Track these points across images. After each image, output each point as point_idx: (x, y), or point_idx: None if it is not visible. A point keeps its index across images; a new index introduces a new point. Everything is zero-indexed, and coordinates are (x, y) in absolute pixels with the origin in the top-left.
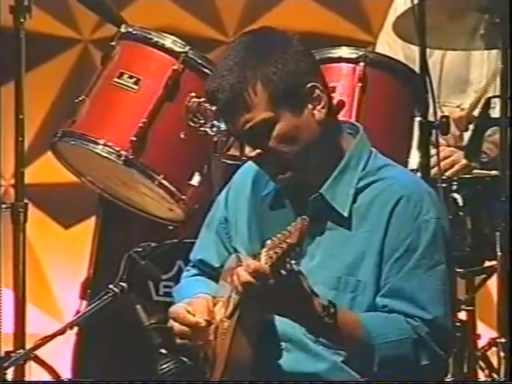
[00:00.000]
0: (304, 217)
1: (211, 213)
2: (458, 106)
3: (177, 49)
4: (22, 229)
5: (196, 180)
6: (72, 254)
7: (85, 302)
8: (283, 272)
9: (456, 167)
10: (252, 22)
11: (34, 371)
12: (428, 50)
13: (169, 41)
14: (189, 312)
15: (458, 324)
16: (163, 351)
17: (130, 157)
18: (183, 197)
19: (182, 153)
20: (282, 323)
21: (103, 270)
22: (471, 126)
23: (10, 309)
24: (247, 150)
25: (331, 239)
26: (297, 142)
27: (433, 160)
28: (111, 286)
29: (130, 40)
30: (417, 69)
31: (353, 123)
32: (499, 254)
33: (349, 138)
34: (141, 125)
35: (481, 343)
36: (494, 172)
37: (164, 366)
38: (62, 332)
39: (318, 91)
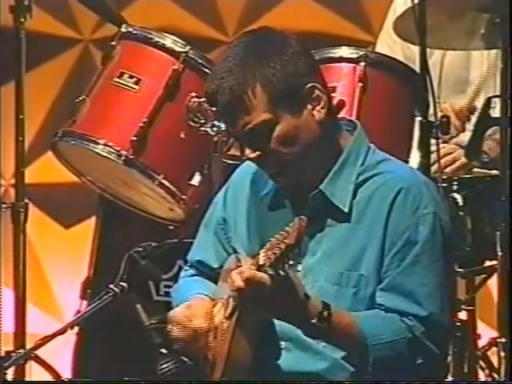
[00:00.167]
0: (302, 217)
1: (209, 213)
2: None
3: (177, 48)
4: (22, 229)
5: (196, 180)
6: (72, 253)
7: (85, 302)
8: (281, 272)
9: (457, 164)
10: (252, 22)
11: (34, 371)
12: (428, 50)
13: (169, 40)
14: (188, 318)
15: (458, 324)
16: (163, 351)
17: (131, 157)
18: (183, 197)
19: (183, 153)
20: (282, 323)
21: (103, 269)
22: (472, 119)
23: (10, 308)
24: (247, 151)
25: (332, 235)
26: (297, 142)
27: (433, 156)
28: (111, 286)
29: (131, 40)
30: (417, 69)
31: (350, 120)
32: (499, 253)
33: (347, 135)
34: (141, 125)
35: (481, 343)
36: (494, 172)
37: (164, 366)
38: (62, 332)
39: (317, 91)
